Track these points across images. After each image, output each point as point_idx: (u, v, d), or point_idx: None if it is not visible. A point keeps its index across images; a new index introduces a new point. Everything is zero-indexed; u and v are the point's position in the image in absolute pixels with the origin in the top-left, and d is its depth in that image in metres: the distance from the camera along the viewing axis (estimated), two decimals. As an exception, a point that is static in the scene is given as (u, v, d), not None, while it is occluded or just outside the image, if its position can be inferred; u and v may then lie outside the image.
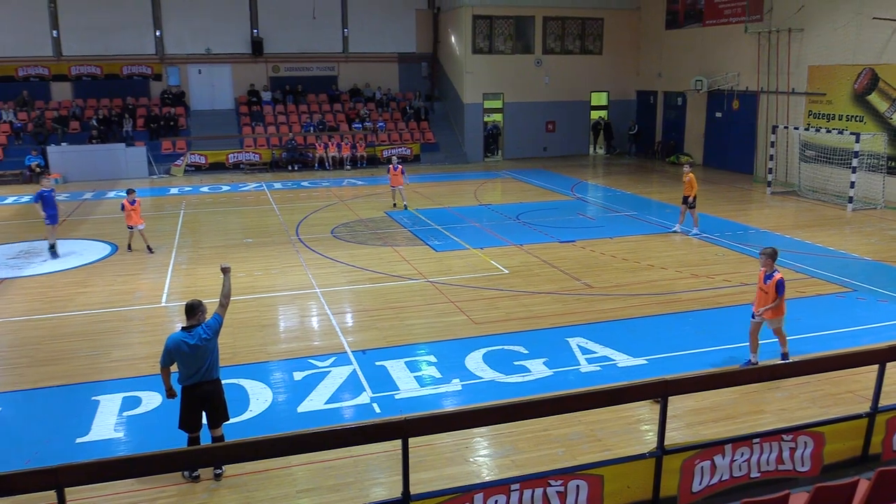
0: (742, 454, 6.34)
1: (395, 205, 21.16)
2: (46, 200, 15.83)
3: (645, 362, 9.90)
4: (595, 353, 10.23)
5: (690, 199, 17.04)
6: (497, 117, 32.60)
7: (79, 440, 8.00)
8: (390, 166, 21.35)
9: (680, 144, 30.70)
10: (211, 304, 7.62)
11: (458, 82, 32.00)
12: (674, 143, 30.94)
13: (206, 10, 30.76)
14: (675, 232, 17.43)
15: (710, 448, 6.26)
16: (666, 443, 6.09)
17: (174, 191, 24.98)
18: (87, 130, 28.68)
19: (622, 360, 9.98)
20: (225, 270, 7.66)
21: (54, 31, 29.63)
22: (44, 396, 9.12)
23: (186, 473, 7.20)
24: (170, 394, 7.23)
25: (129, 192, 16.53)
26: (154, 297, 13.13)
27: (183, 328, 7.08)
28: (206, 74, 31.67)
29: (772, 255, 9.37)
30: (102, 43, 30.01)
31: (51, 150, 27.08)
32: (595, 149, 34.40)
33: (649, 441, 7.58)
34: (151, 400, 8.91)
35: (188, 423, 7.17)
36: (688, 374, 8.64)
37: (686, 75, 29.12)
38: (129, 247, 16.47)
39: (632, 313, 11.89)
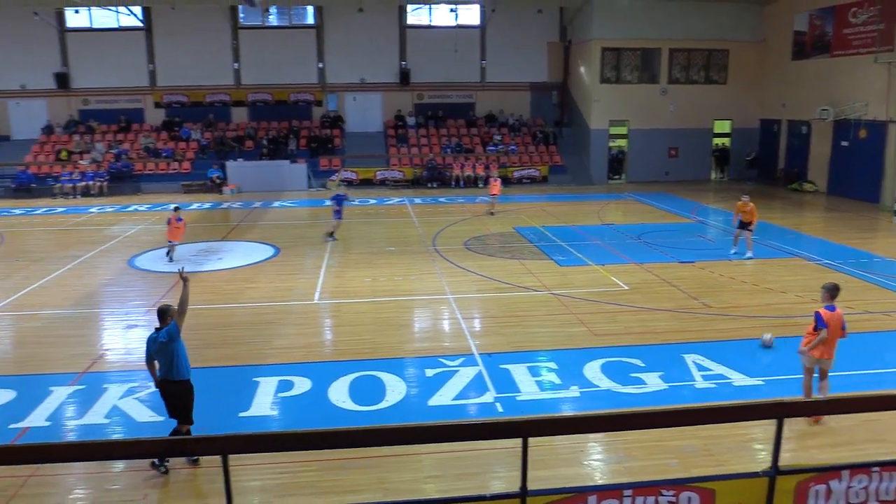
0: (860, 481, 5.83)
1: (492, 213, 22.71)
2: (340, 202, 18.89)
3: (761, 383, 9.31)
4: (711, 370, 9.73)
5: (752, 225, 16.36)
6: (622, 143, 31.85)
7: (241, 414, 8.47)
8: (491, 179, 23.66)
9: (804, 172, 28.75)
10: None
11: (585, 109, 31.55)
12: (797, 170, 29.04)
13: (362, 46, 32.07)
14: (735, 255, 16.49)
15: (827, 472, 5.80)
16: (779, 463, 5.70)
17: (328, 202, 26.00)
18: (258, 148, 30.60)
19: (738, 379, 9.44)
20: (185, 279, 7.59)
21: (235, 64, 31.87)
22: (214, 375, 9.71)
23: (162, 468, 7.28)
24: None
25: (176, 209, 16.37)
26: (308, 295, 13.73)
27: (156, 329, 7.33)
28: (360, 101, 32.98)
29: (831, 290, 8.23)
30: (274, 74, 31.99)
31: (229, 164, 29.14)
32: (717, 175, 32.90)
33: (761, 460, 7.12)
34: (302, 385, 9.30)
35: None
36: (803, 397, 8.07)
37: (811, 104, 27.26)
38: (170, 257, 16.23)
39: (749, 334, 11.21)
